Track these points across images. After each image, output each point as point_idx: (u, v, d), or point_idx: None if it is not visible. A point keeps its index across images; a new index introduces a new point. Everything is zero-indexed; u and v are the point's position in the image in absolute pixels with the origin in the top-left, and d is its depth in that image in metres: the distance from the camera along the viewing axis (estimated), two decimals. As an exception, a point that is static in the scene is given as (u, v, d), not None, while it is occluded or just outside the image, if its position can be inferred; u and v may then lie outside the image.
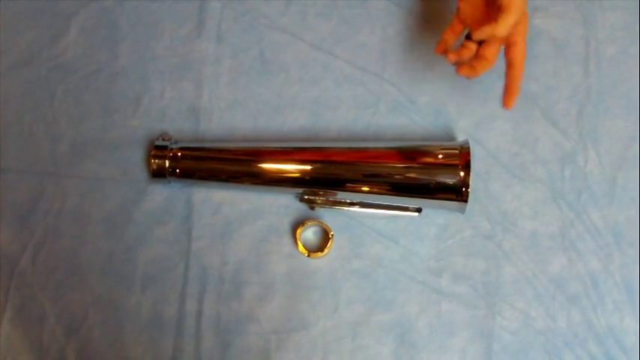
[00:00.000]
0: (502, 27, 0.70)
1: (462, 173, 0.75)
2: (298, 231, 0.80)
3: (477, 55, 0.73)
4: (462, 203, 0.76)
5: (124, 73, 0.85)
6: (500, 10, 0.70)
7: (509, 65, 0.73)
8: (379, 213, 0.81)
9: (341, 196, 0.80)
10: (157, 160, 0.79)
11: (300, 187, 0.80)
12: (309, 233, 0.82)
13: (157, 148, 0.80)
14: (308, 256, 0.80)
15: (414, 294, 0.80)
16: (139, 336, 0.79)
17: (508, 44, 0.73)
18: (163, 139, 0.81)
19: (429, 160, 0.78)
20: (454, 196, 0.76)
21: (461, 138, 0.83)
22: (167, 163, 0.79)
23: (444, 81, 0.85)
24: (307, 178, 0.79)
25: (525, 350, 0.79)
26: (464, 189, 0.75)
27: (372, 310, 0.80)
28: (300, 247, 0.80)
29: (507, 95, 0.74)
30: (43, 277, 0.80)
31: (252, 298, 0.80)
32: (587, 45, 0.86)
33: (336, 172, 0.79)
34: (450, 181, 0.76)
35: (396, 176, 0.78)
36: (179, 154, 0.79)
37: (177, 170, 0.79)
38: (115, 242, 0.81)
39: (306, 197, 0.80)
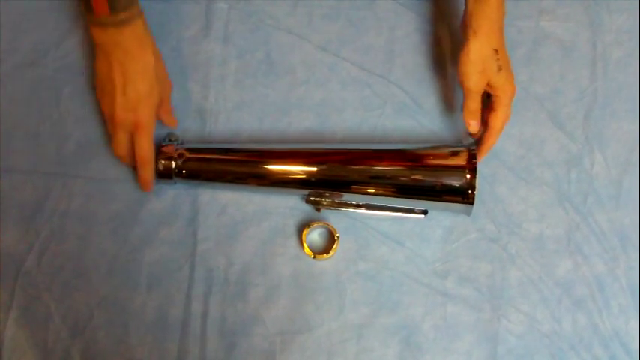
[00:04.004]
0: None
1: (468, 176, 0.75)
2: (304, 232, 0.80)
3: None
4: (468, 206, 0.76)
5: (131, 73, 0.85)
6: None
7: (486, 127, 0.78)
8: (385, 215, 0.81)
9: (347, 197, 0.80)
10: (163, 161, 0.79)
11: (305, 189, 0.80)
12: (314, 235, 0.82)
13: (163, 149, 0.80)
14: (313, 257, 0.80)
15: (420, 296, 0.80)
16: (144, 337, 0.79)
17: (490, 109, 0.78)
18: (170, 140, 0.81)
19: (435, 162, 0.78)
20: (460, 199, 0.76)
21: (467, 140, 0.83)
22: (173, 164, 0.79)
23: (450, 83, 0.85)
24: (313, 179, 0.79)
25: (530, 353, 0.79)
26: (470, 191, 0.75)
27: (377, 312, 0.80)
28: (306, 249, 0.80)
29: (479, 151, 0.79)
30: (48, 278, 0.80)
31: (257, 300, 0.80)
32: (593, 48, 0.86)
33: (342, 174, 0.79)
34: (457, 183, 0.76)
35: (402, 178, 0.78)
36: (185, 155, 0.79)
37: (184, 171, 0.79)
38: (120, 243, 0.81)
39: (311, 199, 0.80)
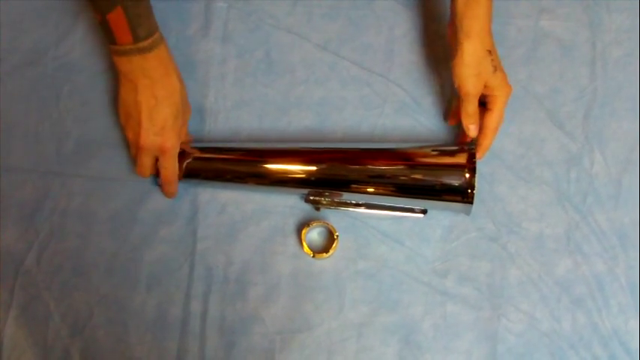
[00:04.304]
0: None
1: (467, 175, 0.75)
2: (303, 232, 0.80)
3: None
4: (468, 205, 0.76)
5: (130, 72, 0.85)
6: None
7: (481, 128, 0.78)
8: (384, 214, 0.81)
9: (346, 197, 0.80)
10: (162, 160, 0.79)
11: (305, 188, 0.80)
12: (314, 234, 0.82)
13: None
14: (313, 256, 0.80)
15: (419, 295, 0.80)
16: (144, 336, 0.79)
17: (485, 110, 0.78)
18: (169, 139, 0.81)
19: (435, 161, 0.78)
20: (460, 198, 0.76)
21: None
22: (173, 163, 0.79)
23: (449, 82, 0.85)
24: (312, 178, 0.79)
25: (530, 352, 0.79)
26: (469, 190, 0.75)
27: (376, 311, 0.80)
28: (306, 248, 0.80)
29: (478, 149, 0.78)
30: (48, 277, 0.80)
31: (257, 299, 0.80)
32: (593, 47, 0.86)
33: (342, 173, 0.78)
34: (456, 182, 0.76)
35: (402, 177, 0.78)
36: (185, 154, 0.79)
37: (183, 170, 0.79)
38: (120, 242, 0.81)
39: (311, 198, 0.80)
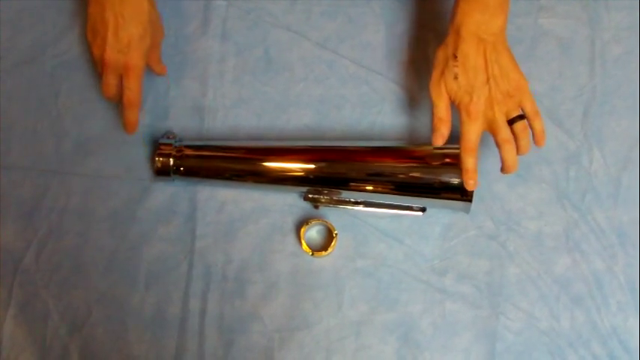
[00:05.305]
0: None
1: (466, 173, 0.75)
2: (302, 230, 0.80)
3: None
4: (467, 203, 0.76)
5: (129, 70, 0.85)
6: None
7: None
8: (383, 212, 0.81)
9: (345, 195, 0.80)
10: (161, 158, 0.79)
11: (304, 186, 0.80)
12: (313, 232, 0.82)
13: (161, 146, 0.80)
14: (312, 255, 0.80)
15: (418, 293, 0.80)
16: (143, 334, 0.79)
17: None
18: (168, 137, 0.81)
19: (434, 159, 0.78)
20: (459, 196, 0.76)
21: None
22: (171, 161, 0.79)
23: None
24: (311, 176, 0.79)
25: (529, 351, 0.79)
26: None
27: (375, 309, 0.80)
28: (304, 246, 0.80)
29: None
30: (46, 275, 0.80)
31: (255, 297, 0.80)
32: (592, 45, 0.86)
33: (341, 171, 0.78)
34: (455, 180, 0.76)
35: (401, 175, 0.78)
36: (183, 152, 0.79)
37: (182, 168, 0.79)
38: (118, 240, 0.81)
39: (310, 196, 0.80)
